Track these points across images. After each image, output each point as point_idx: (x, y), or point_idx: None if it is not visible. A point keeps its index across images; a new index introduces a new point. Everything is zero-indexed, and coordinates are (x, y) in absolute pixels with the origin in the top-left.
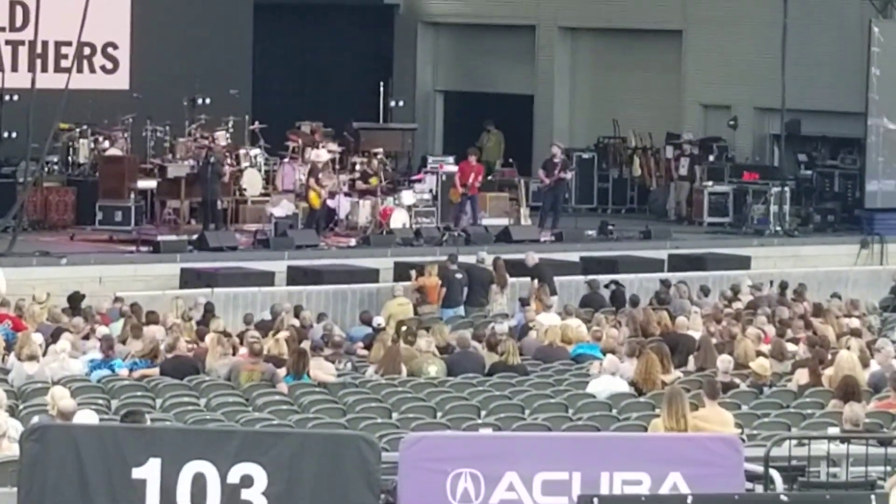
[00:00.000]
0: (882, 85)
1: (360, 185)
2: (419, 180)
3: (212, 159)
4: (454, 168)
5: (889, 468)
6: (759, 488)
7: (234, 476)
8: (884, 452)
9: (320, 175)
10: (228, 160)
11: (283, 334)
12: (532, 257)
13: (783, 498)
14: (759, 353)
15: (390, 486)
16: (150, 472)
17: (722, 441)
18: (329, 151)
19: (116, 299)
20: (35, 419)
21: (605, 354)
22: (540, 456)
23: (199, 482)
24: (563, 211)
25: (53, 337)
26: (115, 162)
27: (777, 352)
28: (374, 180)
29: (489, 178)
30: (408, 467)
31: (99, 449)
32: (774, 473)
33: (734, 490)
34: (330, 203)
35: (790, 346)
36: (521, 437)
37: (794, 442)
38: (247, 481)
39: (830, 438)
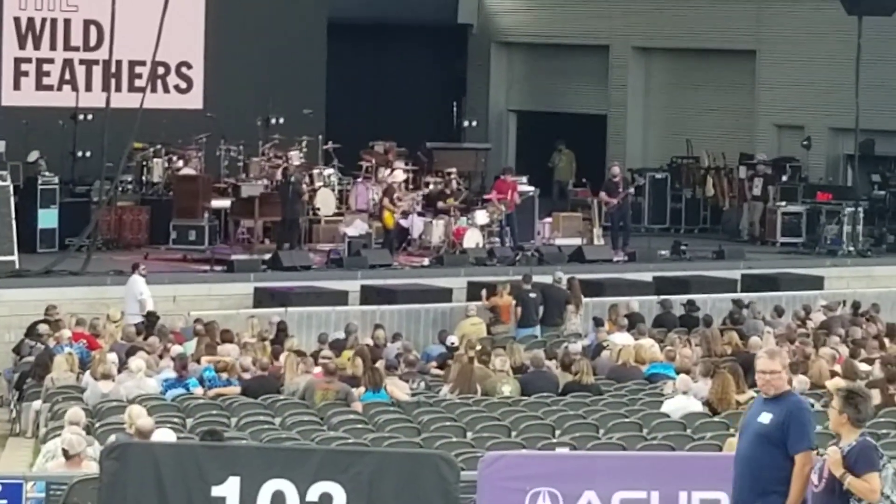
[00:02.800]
0: None
1: (440, 205)
2: (492, 200)
3: (292, 179)
4: (529, 188)
5: None
6: None
7: (313, 494)
8: None
9: (395, 195)
10: (307, 179)
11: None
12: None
13: None
14: (833, 374)
15: None
16: (229, 490)
17: None
18: (404, 171)
19: (192, 319)
20: (112, 438)
21: (678, 374)
22: (618, 475)
23: (278, 500)
24: (631, 229)
25: (128, 355)
26: (189, 181)
27: (850, 372)
28: (450, 200)
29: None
30: (487, 486)
31: (178, 467)
32: None
33: None
34: (403, 223)
35: (863, 367)
36: (600, 456)
37: None
38: (326, 500)
39: None
